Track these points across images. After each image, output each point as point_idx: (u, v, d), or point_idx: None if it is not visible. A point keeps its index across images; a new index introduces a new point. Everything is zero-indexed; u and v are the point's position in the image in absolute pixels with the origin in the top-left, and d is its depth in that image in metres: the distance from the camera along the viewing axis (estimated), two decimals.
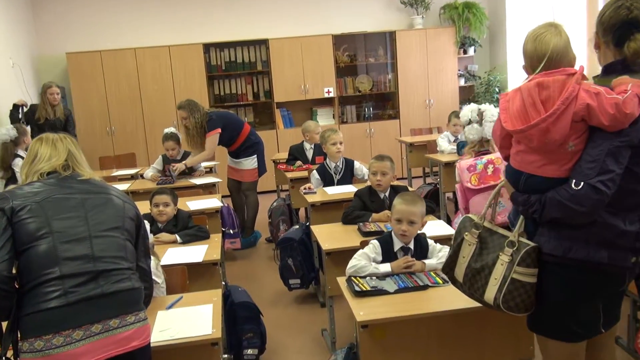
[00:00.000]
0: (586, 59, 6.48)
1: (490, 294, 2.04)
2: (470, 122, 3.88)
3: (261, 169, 5.90)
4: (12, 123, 6.06)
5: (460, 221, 2.22)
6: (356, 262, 2.76)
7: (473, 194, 3.68)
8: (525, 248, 1.99)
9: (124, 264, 2.00)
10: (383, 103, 8.88)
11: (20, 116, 6.31)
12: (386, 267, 2.74)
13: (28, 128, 5.80)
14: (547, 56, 2.01)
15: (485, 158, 3.71)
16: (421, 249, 2.92)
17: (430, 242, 2.96)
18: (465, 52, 8.78)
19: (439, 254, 2.86)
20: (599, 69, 2.06)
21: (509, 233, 2.09)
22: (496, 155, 3.67)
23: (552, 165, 1.93)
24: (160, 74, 7.95)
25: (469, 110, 3.91)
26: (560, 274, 1.96)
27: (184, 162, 5.58)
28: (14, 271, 1.91)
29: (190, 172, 5.62)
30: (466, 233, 2.17)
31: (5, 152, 5.25)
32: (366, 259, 2.79)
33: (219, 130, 5.56)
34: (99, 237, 1.98)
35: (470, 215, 2.22)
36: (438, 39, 8.49)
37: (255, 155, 5.84)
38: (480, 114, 3.84)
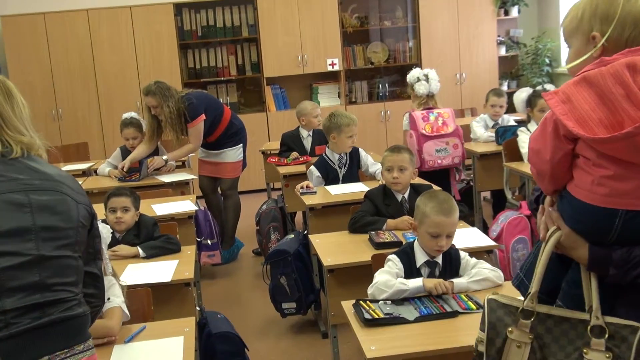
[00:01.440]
0: None
1: None
2: (418, 79, 5.49)
3: (244, 161, 5.93)
4: None
5: (489, 310, 1.79)
6: (379, 277, 2.76)
7: (426, 139, 5.24)
8: (637, 334, 1.62)
9: (75, 289, 1.99)
10: (402, 78, 8.82)
11: None
12: (417, 283, 2.72)
13: None
14: None
15: (435, 111, 5.37)
16: (451, 264, 2.91)
17: (463, 255, 2.95)
18: (506, 13, 8.75)
19: (472, 271, 2.85)
20: None
21: (582, 314, 1.70)
22: (444, 110, 5.43)
23: None
24: (119, 42, 7.95)
25: (416, 72, 5.57)
26: None
27: (164, 156, 5.60)
28: None
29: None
30: (509, 329, 1.74)
31: None
32: (390, 277, 2.78)
33: (204, 115, 5.57)
34: (50, 259, 1.93)
35: (497, 297, 1.80)
36: None
37: (241, 145, 5.86)
38: (426, 74, 5.49)
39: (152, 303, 2.97)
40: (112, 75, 7.98)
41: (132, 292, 2.95)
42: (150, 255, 3.56)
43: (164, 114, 5.43)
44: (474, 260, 2.93)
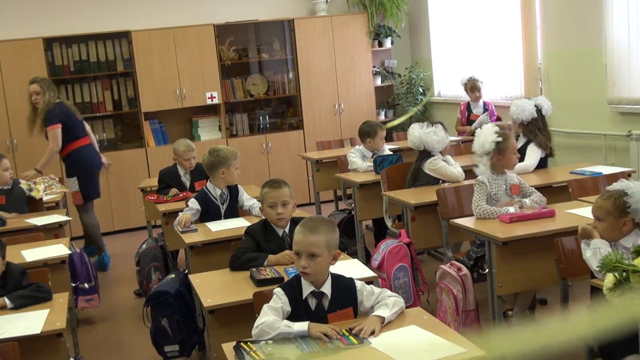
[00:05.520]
0: (522, 76, 6.84)
1: None
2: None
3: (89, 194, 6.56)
4: None
5: None
6: (265, 317, 2.68)
7: None
8: None
9: None
10: (282, 110, 8.89)
11: None
12: (302, 327, 2.65)
13: None
14: None
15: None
16: (345, 293, 2.86)
17: (360, 284, 2.89)
18: (380, 44, 8.99)
19: (388, 301, 2.78)
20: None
21: None
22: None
23: None
24: None
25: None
26: None
27: (36, 167, 6.25)
28: None
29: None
30: None
31: None
32: (275, 314, 2.71)
33: (59, 125, 6.36)
34: None
35: None
36: (347, 28, 8.65)
37: (75, 178, 6.44)
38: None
39: (19, 358, 2.79)
40: None
41: None
42: (18, 306, 3.34)
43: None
44: (377, 289, 2.88)
